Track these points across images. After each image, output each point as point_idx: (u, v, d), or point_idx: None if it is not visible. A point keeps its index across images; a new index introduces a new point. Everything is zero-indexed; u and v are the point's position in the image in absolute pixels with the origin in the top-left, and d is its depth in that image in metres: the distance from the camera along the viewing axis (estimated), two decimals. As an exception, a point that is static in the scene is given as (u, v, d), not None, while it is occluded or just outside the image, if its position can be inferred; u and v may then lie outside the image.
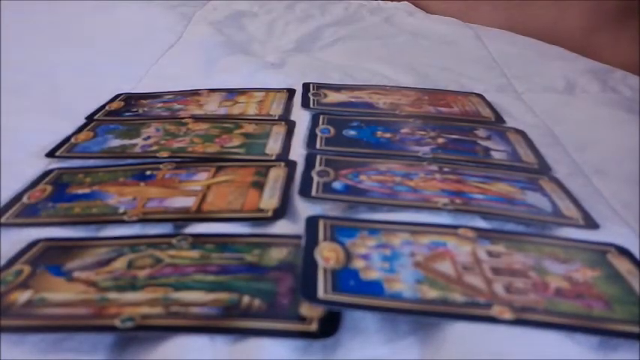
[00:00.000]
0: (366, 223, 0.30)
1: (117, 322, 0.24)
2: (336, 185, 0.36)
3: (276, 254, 0.28)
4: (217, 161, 0.39)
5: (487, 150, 0.42)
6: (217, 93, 0.52)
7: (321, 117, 0.46)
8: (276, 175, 0.37)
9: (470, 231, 0.30)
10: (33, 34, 0.70)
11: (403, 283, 0.25)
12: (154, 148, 0.41)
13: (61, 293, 0.26)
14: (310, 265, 0.26)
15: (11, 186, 0.36)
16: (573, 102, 0.51)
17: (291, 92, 0.52)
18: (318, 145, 0.42)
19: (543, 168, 0.40)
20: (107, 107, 0.49)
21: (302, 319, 0.24)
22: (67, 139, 0.43)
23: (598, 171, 0.40)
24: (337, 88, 0.54)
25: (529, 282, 0.26)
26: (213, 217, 0.33)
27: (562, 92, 0.54)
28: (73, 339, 0.25)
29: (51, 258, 0.29)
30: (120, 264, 0.28)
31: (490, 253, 0.28)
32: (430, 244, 0.28)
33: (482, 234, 0.30)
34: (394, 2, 0.88)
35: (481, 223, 0.32)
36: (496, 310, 0.24)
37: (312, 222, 0.30)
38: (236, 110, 0.48)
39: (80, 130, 0.44)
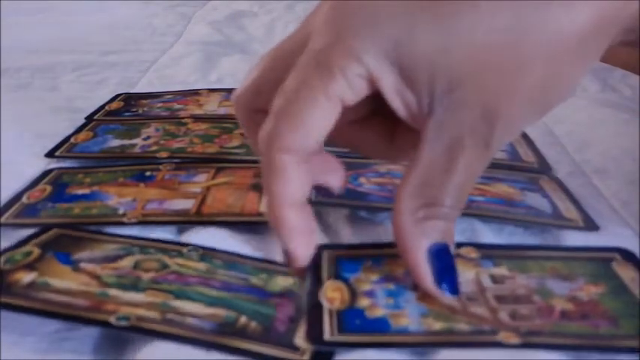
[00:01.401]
0: (369, 250, 0.30)
1: (112, 319, 0.24)
2: None
3: (282, 281, 0.28)
4: (217, 162, 0.39)
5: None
6: (217, 93, 0.52)
7: None
8: (276, 175, 0.37)
9: (473, 250, 0.30)
10: (33, 34, 0.70)
11: (408, 318, 0.25)
12: (154, 148, 0.41)
13: (64, 281, 0.26)
14: (315, 307, 0.26)
15: (11, 186, 0.36)
16: (573, 101, 0.51)
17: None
18: None
19: (543, 168, 0.40)
20: (107, 107, 0.49)
21: (295, 349, 0.24)
22: (67, 139, 0.43)
23: (598, 171, 0.40)
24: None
25: (534, 307, 0.26)
26: (212, 219, 0.33)
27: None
28: (73, 339, 0.25)
29: (62, 245, 0.29)
30: (126, 263, 0.28)
31: (494, 278, 0.28)
32: None
33: (485, 252, 0.30)
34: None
35: (480, 225, 0.33)
36: (502, 336, 0.24)
37: (315, 254, 0.29)
38: (236, 110, 0.48)
39: (80, 129, 0.44)
